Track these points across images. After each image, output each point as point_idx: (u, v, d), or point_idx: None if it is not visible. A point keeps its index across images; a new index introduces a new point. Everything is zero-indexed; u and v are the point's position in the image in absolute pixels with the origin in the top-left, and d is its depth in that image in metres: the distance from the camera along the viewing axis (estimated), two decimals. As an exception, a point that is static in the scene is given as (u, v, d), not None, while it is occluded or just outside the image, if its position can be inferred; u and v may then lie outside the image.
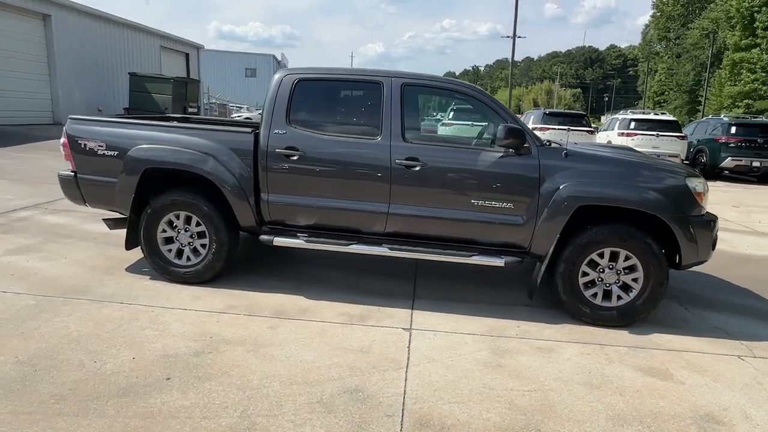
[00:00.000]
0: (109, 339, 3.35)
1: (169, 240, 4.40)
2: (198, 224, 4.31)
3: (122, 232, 4.89)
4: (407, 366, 3.22)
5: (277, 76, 4.24)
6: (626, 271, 3.92)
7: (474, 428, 2.63)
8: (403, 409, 2.75)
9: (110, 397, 2.72)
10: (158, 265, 4.38)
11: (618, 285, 3.95)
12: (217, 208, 4.25)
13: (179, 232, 4.37)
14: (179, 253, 4.40)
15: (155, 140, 4.26)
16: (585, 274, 3.95)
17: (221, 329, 3.59)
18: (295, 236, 4.22)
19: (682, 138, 14.88)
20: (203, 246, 4.34)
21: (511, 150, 3.89)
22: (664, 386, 3.15)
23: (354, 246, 4.13)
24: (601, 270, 3.94)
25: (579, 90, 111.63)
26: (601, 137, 16.57)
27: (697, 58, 48.23)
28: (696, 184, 3.90)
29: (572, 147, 4.03)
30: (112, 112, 20.68)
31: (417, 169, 3.96)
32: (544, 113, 17.12)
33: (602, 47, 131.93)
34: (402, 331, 3.72)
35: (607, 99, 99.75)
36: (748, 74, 37.89)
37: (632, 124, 15.24)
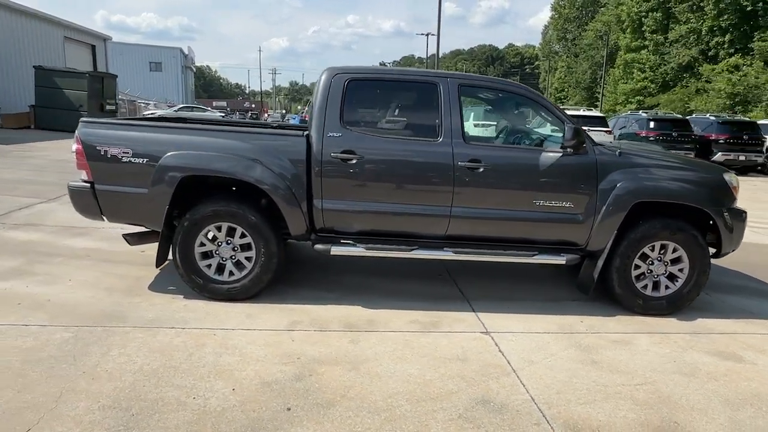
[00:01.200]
0: (191, 370, 2.99)
1: (207, 255, 4.01)
2: (243, 236, 3.97)
3: (124, 247, 4.48)
4: (514, 371, 3.20)
5: (325, 76, 4.00)
6: (673, 262, 4.17)
7: (619, 428, 2.67)
8: (544, 416, 2.73)
9: (242, 437, 2.43)
10: (196, 284, 3.98)
11: (665, 276, 4.19)
12: (264, 217, 3.94)
13: (220, 245, 3.99)
14: (219, 268, 4.03)
15: (193, 145, 3.86)
16: (637, 267, 4.15)
17: (303, 348, 3.34)
18: (352, 244, 4.03)
19: (609, 132, 16.10)
20: (248, 259, 4.00)
21: (569, 150, 3.97)
22: (743, 368, 3.39)
23: (417, 251, 4.02)
24: (651, 262, 4.16)
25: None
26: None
27: (592, 57, 52.33)
28: (731, 178, 4.23)
29: (624, 147, 4.20)
30: (13, 110, 18.50)
31: (480, 170, 3.93)
32: None
33: (501, 46, 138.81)
34: (482, 335, 3.69)
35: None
36: (639, 73, 41.82)
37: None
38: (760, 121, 17.56)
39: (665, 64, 39.61)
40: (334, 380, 2.98)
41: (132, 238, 4.20)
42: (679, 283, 4.17)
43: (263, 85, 77.08)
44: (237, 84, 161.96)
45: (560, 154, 3.99)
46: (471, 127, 11.33)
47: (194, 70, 66.21)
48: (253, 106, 77.01)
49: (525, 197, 4.01)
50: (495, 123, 5.91)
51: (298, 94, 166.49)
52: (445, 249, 4.06)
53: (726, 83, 31.07)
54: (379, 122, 4.16)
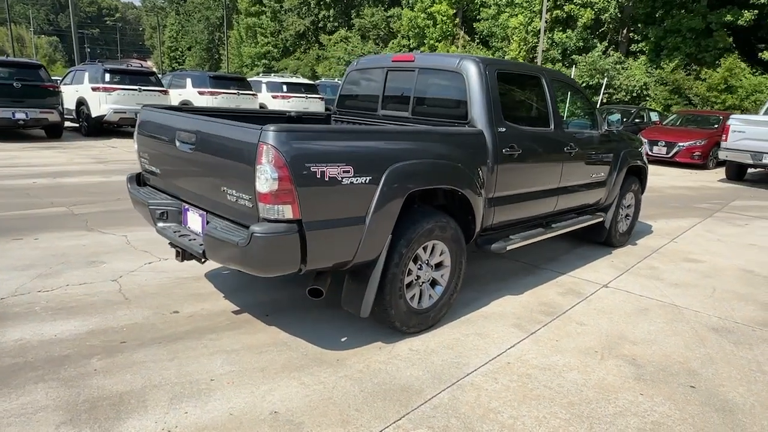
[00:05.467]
0: (600, 400, 2.79)
1: (410, 283, 3.32)
2: (442, 252, 3.45)
3: (160, 314, 3.25)
4: (676, 305, 4.20)
5: (474, 67, 3.72)
6: (628, 206, 5.87)
7: (768, 315, 4.12)
8: (747, 325, 3.90)
9: None
10: (407, 323, 3.28)
11: (626, 217, 5.87)
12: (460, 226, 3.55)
13: (421, 269, 3.36)
14: (419, 296, 3.41)
15: (410, 152, 3.08)
16: (620, 214, 5.67)
17: (579, 342, 3.44)
18: (508, 237, 4.05)
19: (322, 99, 17.45)
20: (442, 276, 3.52)
21: (605, 130, 5.03)
22: (719, 258, 5.38)
23: (547, 232, 4.39)
24: (622, 208, 5.74)
25: (56, 38, 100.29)
26: (175, 96, 15.00)
27: (208, 18, 52.02)
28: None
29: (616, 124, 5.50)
30: None
31: (573, 153, 4.56)
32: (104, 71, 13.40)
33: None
34: (610, 289, 4.49)
35: (89, 50, 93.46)
36: (262, 38, 44.46)
37: (285, 88, 16.62)
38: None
39: (285, 31, 43.41)
40: (651, 355, 3.33)
41: (321, 284, 2.97)
42: (630, 219, 5.94)
43: None
44: None
45: (600, 134, 5.01)
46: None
47: None
48: None
49: (588, 171, 4.88)
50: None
51: None
52: (552, 225, 4.56)
53: (343, 52, 36.88)
54: (515, 114, 4.15)
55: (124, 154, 10.66)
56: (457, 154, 3.41)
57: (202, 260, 3.24)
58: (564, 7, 24.26)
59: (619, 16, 23.85)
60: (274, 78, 17.60)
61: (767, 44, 20.73)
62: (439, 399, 2.70)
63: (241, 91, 15.01)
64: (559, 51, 24.88)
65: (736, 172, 11.63)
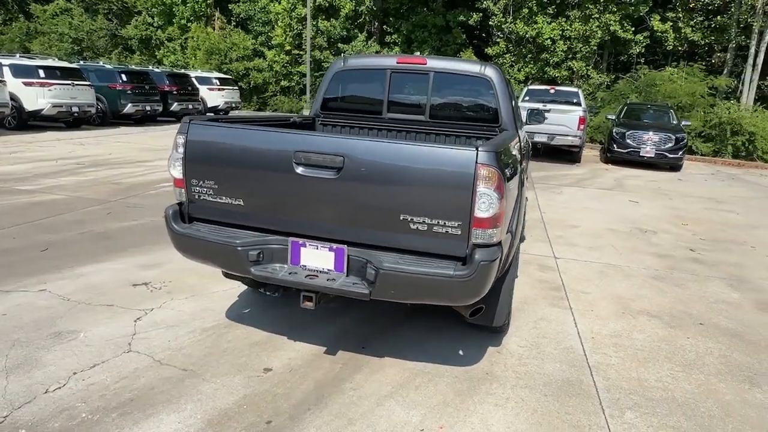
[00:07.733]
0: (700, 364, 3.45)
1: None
2: (511, 251, 3.66)
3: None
4: (619, 266, 5.27)
5: (496, 72, 3.95)
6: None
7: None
8: (666, 270, 5.16)
9: None
10: (508, 319, 3.44)
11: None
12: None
13: (506, 270, 3.52)
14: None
15: (517, 157, 3.18)
16: (520, 194, 6.60)
17: (603, 310, 4.10)
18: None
19: (90, 86, 14.55)
20: (507, 274, 3.74)
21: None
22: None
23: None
24: (520, 189, 6.70)
25: None
26: None
27: None
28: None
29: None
30: None
31: (523, 149, 5.19)
32: None
33: None
34: (564, 260, 5.32)
35: None
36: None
37: (41, 72, 13.29)
38: (193, 74, 20.13)
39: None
40: (651, 307, 4.20)
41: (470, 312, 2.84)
42: (521, 198, 6.97)
43: None
44: None
45: (523, 128, 5.76)
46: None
47: None
48: None
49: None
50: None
51: None
52: (518, 213, 5.12)
53: (68, 28, 30.91)
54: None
55: None
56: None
57: (321, 301, 2.75)
58: (326, -4, 25.23)
59: (374, 9, 25.98)
60: (20, 60, 13.79)
61: (487, 41, 25.52)
62: (600, 383, 2.98)
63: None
64: (325, 39, 25.84)
65: (512, 149, 14.31)
